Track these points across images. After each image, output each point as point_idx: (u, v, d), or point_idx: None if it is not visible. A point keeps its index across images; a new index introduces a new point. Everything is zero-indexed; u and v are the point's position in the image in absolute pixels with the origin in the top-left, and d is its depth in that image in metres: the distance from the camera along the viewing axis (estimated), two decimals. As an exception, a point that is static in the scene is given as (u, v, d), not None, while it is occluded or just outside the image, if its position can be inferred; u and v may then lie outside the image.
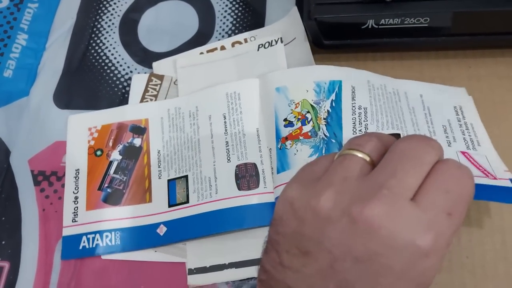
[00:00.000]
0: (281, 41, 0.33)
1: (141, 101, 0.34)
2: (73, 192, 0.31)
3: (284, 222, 0.19)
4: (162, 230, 0.29)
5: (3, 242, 0.31)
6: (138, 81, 0.35)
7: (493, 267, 0.26)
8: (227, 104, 0.31)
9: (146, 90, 0.34)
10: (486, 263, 0.26)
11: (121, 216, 0.30)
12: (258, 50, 0.33)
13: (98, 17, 0.39)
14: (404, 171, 0.18)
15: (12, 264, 0.30)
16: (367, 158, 0.19)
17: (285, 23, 0.33)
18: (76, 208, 0.30)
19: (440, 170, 0.18)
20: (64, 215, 0.30)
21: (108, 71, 0.36)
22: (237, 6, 0.37)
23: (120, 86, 0.35)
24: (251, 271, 0.27)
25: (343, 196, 0.18)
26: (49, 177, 0.32)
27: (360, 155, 0.19)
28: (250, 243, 0.27)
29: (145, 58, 0.36)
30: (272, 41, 0.33)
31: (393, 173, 0.18)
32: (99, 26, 0.38)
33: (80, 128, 0.33)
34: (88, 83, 0.36)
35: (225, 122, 0.31)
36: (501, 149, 0.29)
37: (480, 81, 0.31)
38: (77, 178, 0.31)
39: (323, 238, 0.17)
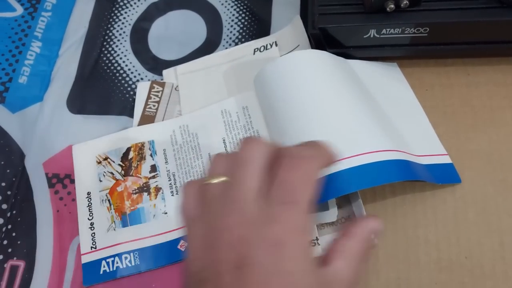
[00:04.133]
0: (276, 45, 0.34)
1: (145, 107, 0.35)
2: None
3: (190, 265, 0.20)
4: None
5: (19, 242, 0.32)
6: (142, 88, 0.36)
7: (491, 267, 0.27)
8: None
9: (149, 97, 0.35)
10: (485, 263, 0.27)
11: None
12: (254, 54, 0.35)
13: (109, 25, 0.40)
14: (241, 176, 0.20)
15: (27, 263, 0.31)
16: (223, 178, 0.21)
17: (289, 31, 0.35)
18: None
19: (280, 170, 0.20)
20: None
21: (120, 78, 0.38)
22: (243, 15, 0.39)
23: (132, 93, 0.37)
24: None
25: (216, 217, 0.20)
26: (63, 180, 0.34)
27: (215, 180, 0.21)
28: None
29: (155, 66, 0.38)
30: (267, 45, 0.34)
31: (235, 180, 0.20)
32: (110, 34, 0.40)
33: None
34: (100, 90, 0.37)
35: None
36: (499, 154, 0.30)
37: (478, 88, 0.32)
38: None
39: (210, 263, 0.19)
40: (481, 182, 0.29)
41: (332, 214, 0.28)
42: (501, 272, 0.27)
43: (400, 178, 0.26)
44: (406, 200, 0.30)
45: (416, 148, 0.29)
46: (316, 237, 0.28)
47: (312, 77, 0.29)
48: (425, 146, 0.30)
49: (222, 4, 0.39)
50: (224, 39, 0.38)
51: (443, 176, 0.29)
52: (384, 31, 0.30)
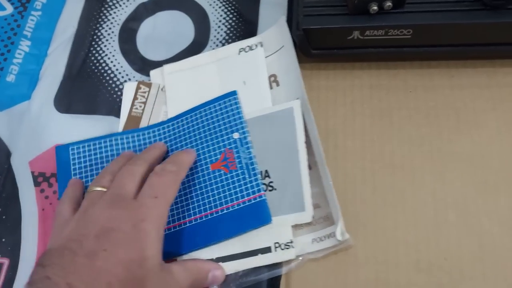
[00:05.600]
0: (261, 45, 0.34)
1: (131, 108, 0.35)
2: None
3: (53, 244, 0.26)
4: None
5: (4, 240, 0.32)
6: (128, 89, 0.36)
7: (470, 268, 0.27)
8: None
9: (135, 97, 0.36)
10: (464, 264, 0.28)
11: None
12: (239, 53, 0.35)
13: (98, 25, 0.40)
14: (122, 184, 0.27)
15: (11, 261, 0.31)
16: (103, 189, 0.28)
17: (273, 32, 0.35)
18: None
19: (148, 178, 0.28)
20: None
21: (108, 78, 0.38)
22: (231, 16, 0.39)
23: (119, 93, 0.37)
24: (236, 265, 0.29)
25: (88, 211, 0.26)
26: (49, 179, 0.34)
27: (98, 188, 0.28)
28: (236, 239, 0.29)
29: (143, 66, 0.38)
30: (252, 45, 0.35)
31: (116, 187, 0.27)
32: (99, 34, 0.40)
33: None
34: (87, 89, 0.37)
35: None
36: (481, 156, 0.30)
37: (462, 90, 0.33)
38: None
39: (71, 238, 0.25)
40: (462, 184, 0.30)
41: (307, 214, 0.28)
42: (480, 274, 0.27)
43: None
44: (386, 202, 0.30)
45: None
46: (291, 240, 0.28)
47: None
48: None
49: (210, 4, 0.40)
50: (211, 40, 0.38)
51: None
52: (367, 32, 0.31)
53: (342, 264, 0.28)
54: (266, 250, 0.28)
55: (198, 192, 0.30)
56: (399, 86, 0.33)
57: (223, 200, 0.30)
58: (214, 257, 0.29)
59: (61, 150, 0.34)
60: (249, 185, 0.30)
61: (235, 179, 0.30)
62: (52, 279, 0.22)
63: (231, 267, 0.29)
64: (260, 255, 0.28)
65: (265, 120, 0.32)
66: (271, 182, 0.30)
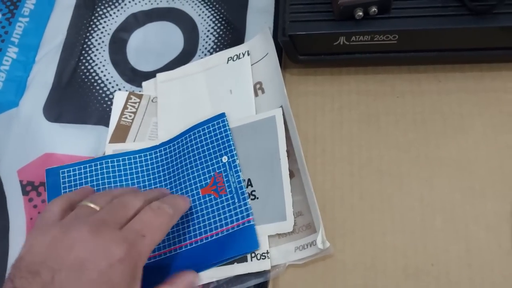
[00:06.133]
0: (248, 54, 0.34)
1: (120, 117, 0.35)
2: None
3: (22, 259, 0.24)
4: None
5: (-9, 249, 0.32)
6: (119, 98, 0.36)
7: (457, 274, 0.27)
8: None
9: (125, 107, 0.36)
10: (451, 270, 0.28)
11: None
12: (227, 63, 0.35)
13: (88, 34, 0.40)
14: (114, 210, 0.26)
15: (-1, 270, 0.31)
16: (97, 208, 0.27)
17: (258, 39, 0.35)
18: None
19: (142, 211, 0.27)
20: None
21: (98, 87, 0.38)
22: (219, 25, 0.39)
23: (109, 103, 0.37)
24: (212, 273, 0.29)
25: (71, 228, 0.25)
26: (37, 188, 0.34)
27: (91, 205, 0.27)
28: None
29: (133, 77, 0.38)
30: (240, 54, 0.35)
31: (107, 212, 0.26)
32: (89, 43, 0.40)
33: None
34: (77, 98, 0.37)
35: None
36: (467, 161, 0.30)
37: (449, 95, 0.33)
38: None
39: (47, 258, 0.23)
40: (449, 189, 0.30)
41: (289, 224, 0.28)
42: (467, 279, 0.27)
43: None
44: (374, 207, 0.30)
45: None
46: (267, 250, 0.28)
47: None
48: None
49: (199, 15, 0.40)
50: (200, 49, 0.38)
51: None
52: (353, 38, 0.31)
53: (330, 270, 0.28)
54: (242, 259, 0.28)
55: (189, 217, 0.30)
56: (387, 92, 0.33)
57: (212, 226, 0.29)
58: None
59: (52, 173, 0.33)
60: (238, 210, 0.29)
61: (225, 203, 0.30)
62: None
63: (207, 275, 0.29)
64: (236, 264, 0.28)
65: (248, 128, 0.32)
66: (253, 191, 0.30)
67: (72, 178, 0.33)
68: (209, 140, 0.32)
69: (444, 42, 0.31)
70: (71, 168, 0.33)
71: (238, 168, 0.31)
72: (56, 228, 0.25)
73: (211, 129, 0.32)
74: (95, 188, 0.32)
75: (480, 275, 0.27)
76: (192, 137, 0.32)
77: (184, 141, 0.33)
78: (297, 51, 0.32)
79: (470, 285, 0.27)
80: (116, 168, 0.33)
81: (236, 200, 0.30)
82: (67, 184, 0.33)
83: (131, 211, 0.26)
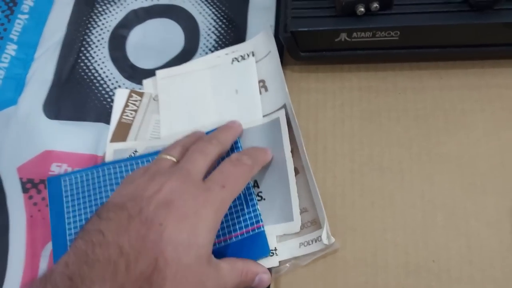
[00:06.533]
0: (253, 55, 0.34)
1: (122, 114, 0.35)
2: None
3: (108, 201, 0.25)
4: None
5: (-9, 247, 0.32)
6: (120, 95, 0.36)
7: (458, 271, 0.27)
8: None
9: (126, 105, 0.35)
10: (452, 267, 0.28)
11: None
12: (232, 63, 0.35)
13: (87, 30, 0.40)
14: (195, 160, 0.27)
15: (-1, 268, 0.31)
16: (174, 159, 0.28)
17: (261, 38, 0.35)
18: None
19: (222, 163, 0.28)
20: None
21: (97, 84, 0.37)
22: (220, 23, 0.39)
23: (109, 100, 0.37)
24: None
25: (156, 176, 0.26)
26: (37, 185, 0.34)
27: (168, 157, 0.28)
28: None
29: (133, 74, 0.38)
30: (245, 55, 0.34)
31: (188, 162, 0.27)
32: (88, 40, 0.39)
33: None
34: (77, 95, 0.37)
35: None
36: (469, 158, 0.30)
37: (451, 92, 0.33)
38: None
39: (135, 197, 0.24)
40: (450, 185, 0.30)
41: (296, 225, 0.28)
42: (468, 276, 0.27)
43: None
44: (375, 204, 0.30)
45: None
46: (275, 247, 0.28)
47: None
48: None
49: (200, 13, 0.39)
50: (201, 47, 0.38)
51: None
52: (355, 34, 0.30)
53: (331, 267, 0.28)
54: None
55: None
56: (389, 88, 0.33)
57: (220, 232, 0.29)
58: None
59: (53, 182, 0.33)
60: (247, 216, 0.29)
61: (233, 210, 0.30)
62: (105, 235, 0.22)
63: None
64: None
65: (254, 132, 0.32)
66: (260, 192, 0.30)
67: (74, 186, 0.32)
68: None
69: (446, 38, 0.31)
70: (72, 176, 0.32)
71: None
72: (144, 177, 0.26)
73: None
74: (98, 195, 0.32)
75: (481, 271, 0.27)
76: None
77: None
78: (299, 47, 0.32)
79: (471, 281, 0.27)
80: (119, 175, 0.32)
81: (244, 206, 0.30)
82: (69, 193, 0.32)
83: (209, 158, 0.27)
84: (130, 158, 0.33)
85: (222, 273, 0.25)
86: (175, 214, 0.23)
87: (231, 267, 0.26)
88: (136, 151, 0.34)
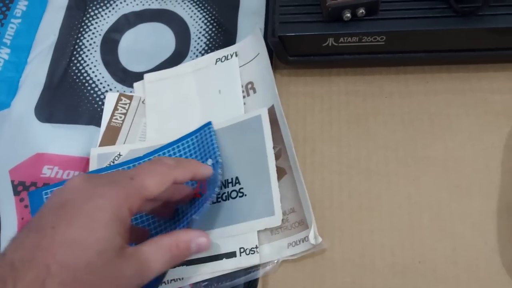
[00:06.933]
0: (236, 55, 0.35)
1: (111, 118, 0.35)
2: None
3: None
4: None
5: (-18, 249, 0.32)
6: (110, 99, 0.36)
7: (444, 271, 0.28)
8: None
9: (115, 108, 0.36)
10: (437, 267, 0.28)
11: None
12: (216, 63, 0.35)
13: (79, 35, 0.40)
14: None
15: (-11, 271, 0.31)
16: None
17: (249, 41, 0.35)
18: None
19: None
20: None
21: (89, 87, 0.38)
22: (210, 26, 0.39)
23: (100, 103, 0.37)
24: (201, 269, 0.29)
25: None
26: (28, 188, 0.34)
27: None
28: None
29: (125, 77, 0.38)
30: (228, 55, 0.35)
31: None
32: (80, 44, 0.40)
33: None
34: (69, 99, 0.37)
35: None
36: (454, 160, 0.31)
37: (436, 96, 0.33)
38: None
39: (44, 206, 0.23)
40: (436, 188, 0.30)
41: (277, 219, 0.29)
42: (453, 277, 0.28)
43: None
44: (362, 206, 0.30)
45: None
46: (256, 245, 0.29)
47: None
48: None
49: (191, 16, 0.40)
50: (192, 51, 0.38)
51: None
52: (341, 39, 0.31)
53: (319, 267, 0.29)
54: (231, 254, 0.29)
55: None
56: (375, 92, 0.34)
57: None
58: None
59: (34, 196, 0.33)
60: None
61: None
62: (5, 255, 0.21)
63: (196, 271, 0.29)
64: (224, 260, 0.29)
65: (235, 128, 0.32)
66: (241, 188, 0.30)
67: None
68: (196, 149, 0.32)
69: (430, 43, 0.31)
70: (54, 189, 0.33)
71: (220, 166, 0.30)
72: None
73: (198, 138, 0.32)
74: None
75: (466, 272, 0.28)
76: (181, 147, 0.33)
77: (172, 152, 0.33)
78: (287, 52, 0.33)
79: (457, 282, 0.28)
80: None
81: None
82: None
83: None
84: (113, 166, 0.33)
85: (143, 259, 0.23)
86: (68, 214, 0.22)
87: (156, 247, 0.24)
88: (120, 154, 0.34)
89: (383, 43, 0.31)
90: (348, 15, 0.30)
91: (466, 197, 0.30)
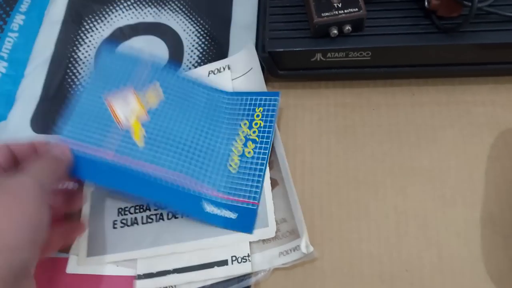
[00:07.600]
0: (228, 68, 0.36)
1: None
2: None
3: None
4: None
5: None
6: None
7: (430, 279, 0.29)
8: None
9: None
10: (424, 275, 0.29)
11: None
12: (208, 76, 0.36)
13: (75, 47, 0.41)
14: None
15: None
16: None
17: (242, 55, 0.36)
18: None
19: None
20: None
21: (84, 99, 0.39)
22: (203, 40, 0.40)
23: (94, 113, 0.38)
24: (193, 276, 0.29)
25: None
26: (23, 198, 0.34)
27: None
28: (194, 252, 0.30)
29: (118, 88, 0.39)
30: (220, 67, 0.36)
31: None
32: (76, 57, 0.41)
33: None
34: (64, 111, 0.38)
35: None
36: (439, 171, 0.32)
37: (422, 108, 0.34)
38: None
39: None
40: (422, 197, 0.31)
41: (271, 230, 0.29)
42: (439, 284, 0.28)
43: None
44: (351, 215, 0.31)
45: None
46: (248, 253, 0.29)
47: None
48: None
49: (184, 30, 0.41)
50: (185, 63, 0.39)
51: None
52: (329, 54, 0.32)
53: (309, 276, 0.29)
54: (223, 263, 0.29)
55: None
56: (363, 104, 0.35)
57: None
58: (171, 268, 0.30)
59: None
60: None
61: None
62: None
63: (187, 278, 0.29)
64: (216, 268, 0.29)
65: None
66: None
67: None
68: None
69: (414, 58, 0.33)
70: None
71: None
72: None
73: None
74: None
75: (451, 280, 0.28)
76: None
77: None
78: (277, 66, 0.34)
79: (442, 289, 0.28)
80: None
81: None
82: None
83: None
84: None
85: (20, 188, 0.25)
86: None
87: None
88: None
89: (369, 58, 0.32)
90: (335, 31, 0.31)
91: (451, 206, 0.30)
